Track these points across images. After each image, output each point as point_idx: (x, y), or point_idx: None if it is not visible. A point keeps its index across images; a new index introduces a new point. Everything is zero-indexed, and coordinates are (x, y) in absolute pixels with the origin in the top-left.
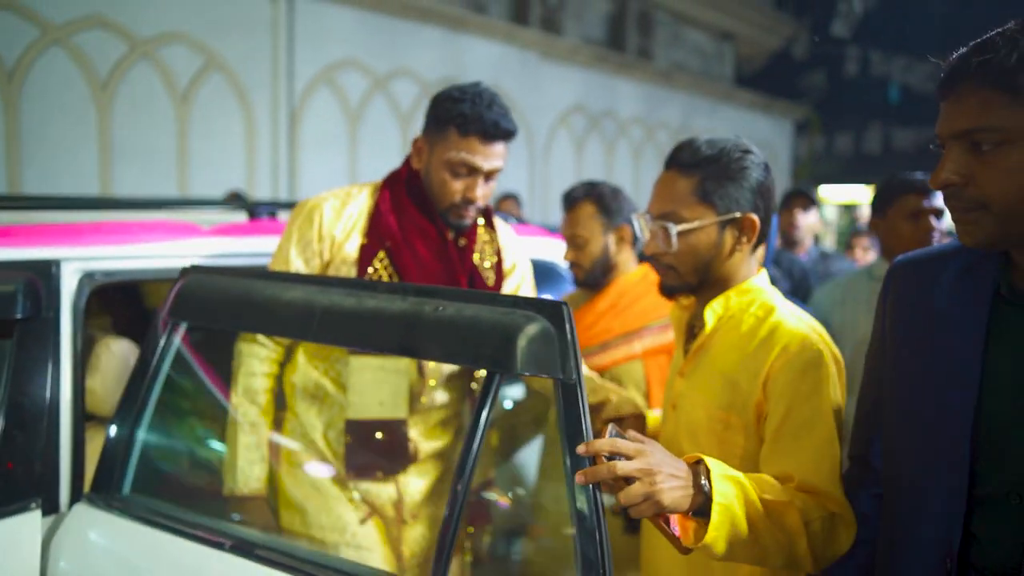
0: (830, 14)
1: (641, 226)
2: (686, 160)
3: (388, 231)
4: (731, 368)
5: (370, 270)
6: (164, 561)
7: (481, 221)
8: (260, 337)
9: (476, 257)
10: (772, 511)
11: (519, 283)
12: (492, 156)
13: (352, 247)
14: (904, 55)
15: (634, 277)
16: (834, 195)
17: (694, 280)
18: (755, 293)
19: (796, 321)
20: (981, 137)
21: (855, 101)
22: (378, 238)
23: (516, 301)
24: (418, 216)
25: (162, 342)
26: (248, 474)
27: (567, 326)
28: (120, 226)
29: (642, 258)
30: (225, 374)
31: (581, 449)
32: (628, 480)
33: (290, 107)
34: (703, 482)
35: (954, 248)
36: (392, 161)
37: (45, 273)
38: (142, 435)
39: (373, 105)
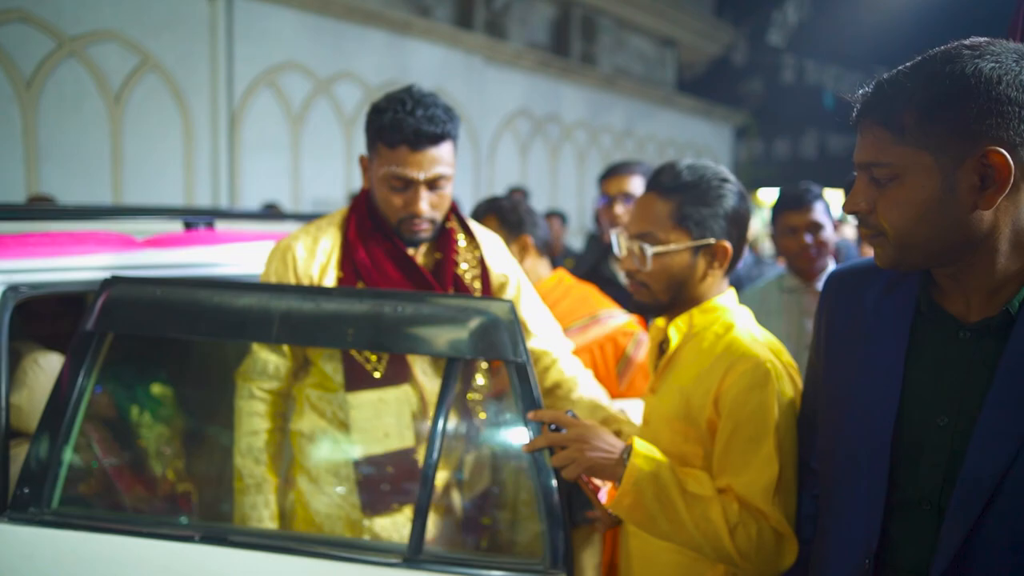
0: (767, 23)
1: (619, 243)
2: (666, 184)
3: (360, 260)
4: (688, 383)
5: None
6: (101, 560)
7: (453, 229)
8: (256, 392)
9: (460, 269)
10: (696, 499)
11: (516, 295)
12: (426, 164)
13: (329, 283)
14: (837, 64)
15: (549, 283)
16: (773, 199)
17: (665, 298)
18: (718, 312)
19: (750, 340)
20: (877, 172)
21: (791, 108)
22: (352, 270)
23: (468, 299)
24: (381, 239)
25: (88, 353)
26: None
27: (513, 317)
28: (48, 237)
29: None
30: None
31: (530, 415)
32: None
33: (230, 109)
34: (625, 457)
35: None
36: (335, 165)
37: None
38: (70, 447)
39: (316, 108)
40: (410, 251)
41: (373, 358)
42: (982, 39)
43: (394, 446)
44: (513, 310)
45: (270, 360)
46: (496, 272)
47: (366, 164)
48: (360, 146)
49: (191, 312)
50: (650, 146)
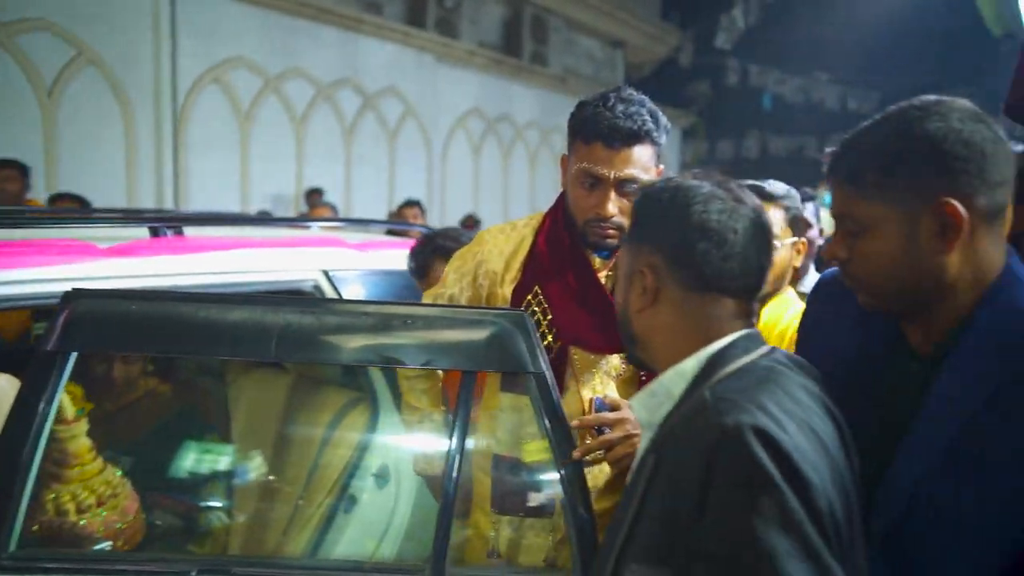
0: (714, 27)
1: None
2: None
3: (541, 264)
4: None
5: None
6: None
7: None
8: (416, 386)
9: None
10: None
11: None
12: (618, 162)
13: (509, 278)
14: (779, 69)
15: None
16: None
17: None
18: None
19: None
20: (846, 225)
21: (735, 110)
22: (532, 273)
23: (482, 310)
24: (569, 245)
25: (50, 376)
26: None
27: (529, 328)
28: (5, 247)
29: None
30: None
31: (575, 424)
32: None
33: (174, 106)
34: None
35: None
36: (287, 165)
37: None
38: (30, 482)
39: (265, 106)
40: (597, 262)
41: None
42: (932, 98)
43: (530, 456)
44: (528, 319)
45: None
46: None
47: (564, 164)
48: (312, 144)
49: (173, 328)
50: None
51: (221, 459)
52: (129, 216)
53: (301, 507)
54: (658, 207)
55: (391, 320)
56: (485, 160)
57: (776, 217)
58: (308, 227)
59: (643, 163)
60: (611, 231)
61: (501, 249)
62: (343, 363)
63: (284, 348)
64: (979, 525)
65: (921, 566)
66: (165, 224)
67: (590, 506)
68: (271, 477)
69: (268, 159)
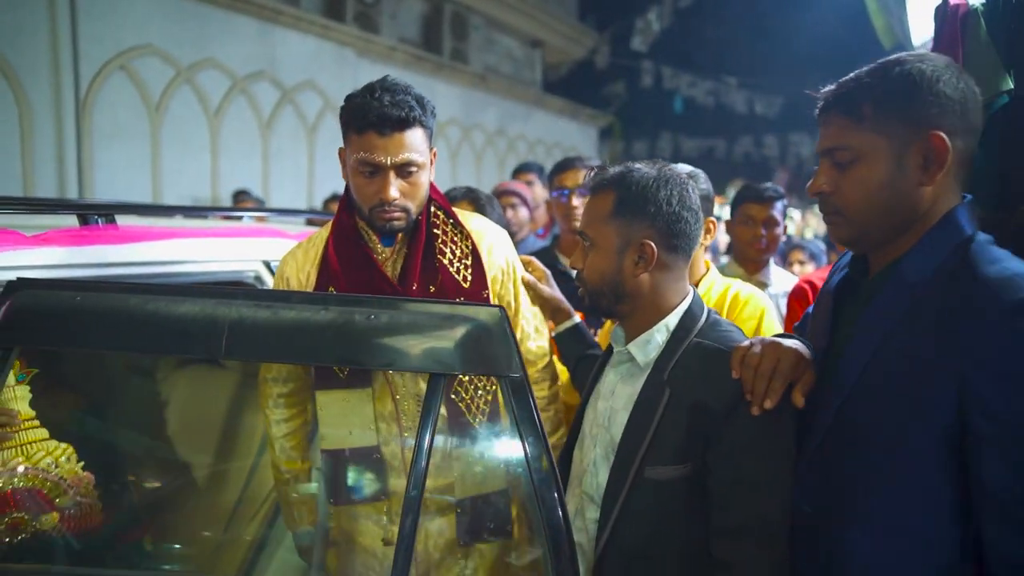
0: (629, 30)
1: None
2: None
3: (331, 263)
4: None
5: None
6: None
7: (435, 221)
8: (278, 400)
9: (446, 259)
10: None
11: (501, 281)
12: (393, 149)
13: (309, 289)
14: (691, 72)
15: None
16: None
17: None
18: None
19: None
20: (839, 155)
21: (650, 110)
22: (326, 274)
23: (453, 306)
24: (355, 237)
25: None
26: (300, 513)
27: (506, 326)
28: None
29: None
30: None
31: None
32: None
33: (76, 93)
34: None
35: None
36: (201, 159)
37: None
38: None
39: (177, 97)
40: (387, 250)
41: None
42: (919, 52)
43: (357, 443)
44: (504, 317)
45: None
46: (485, 256)
47: (342, 156)
48: (228, 138)
49: (119, 322)
50: (521, 145)
51: (158, 459)
52: (55, 204)
53: (238, 515)
54: (650, 190)
55: (353, 315)
56: None
57: None
58: (241, 218)
59: (416, 147)
60: (396, 213)
61: (300, 264)
62: (300, 363)
63: (234, 345)
64: (885, 444)
65: (841, 478)
66: (96, 212)
67: (566, 511)
68: (208, 481)
69: (181, 152)
